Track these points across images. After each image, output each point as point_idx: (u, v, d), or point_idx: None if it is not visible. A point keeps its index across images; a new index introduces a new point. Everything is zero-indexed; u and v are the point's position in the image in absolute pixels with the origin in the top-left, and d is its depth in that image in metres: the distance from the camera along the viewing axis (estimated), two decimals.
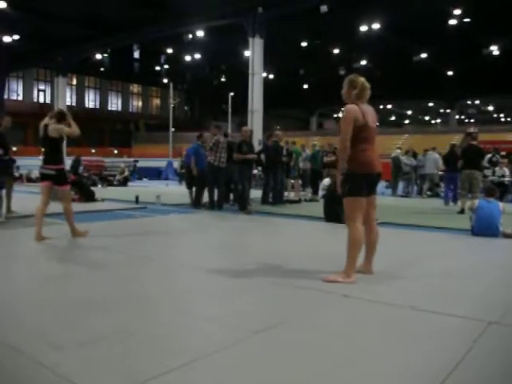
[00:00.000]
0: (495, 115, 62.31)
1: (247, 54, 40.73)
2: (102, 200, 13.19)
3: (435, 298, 4.30)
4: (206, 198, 11.59)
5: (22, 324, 3.52)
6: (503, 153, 35.17)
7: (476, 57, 38.22)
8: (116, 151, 49.43)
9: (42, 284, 4.70)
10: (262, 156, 12.06)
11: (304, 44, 37.84)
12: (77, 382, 2.59)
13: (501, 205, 7.40)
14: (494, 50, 37.65)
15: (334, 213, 8.83)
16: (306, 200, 13.83)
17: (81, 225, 7.52)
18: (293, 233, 8.26)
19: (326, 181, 14.91)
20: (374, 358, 3.06)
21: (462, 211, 10.84)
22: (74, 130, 7.07)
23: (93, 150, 51.04)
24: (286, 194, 14.12)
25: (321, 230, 8.55)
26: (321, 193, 14.62)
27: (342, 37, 36.04)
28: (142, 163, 31.56)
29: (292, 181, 15.28)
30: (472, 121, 60.62)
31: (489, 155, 15.31)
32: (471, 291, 4.58)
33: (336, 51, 40.41)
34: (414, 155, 17.88)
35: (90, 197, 13.13)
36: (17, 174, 18.46)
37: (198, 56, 42.46)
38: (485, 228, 7.13)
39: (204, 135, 12.44)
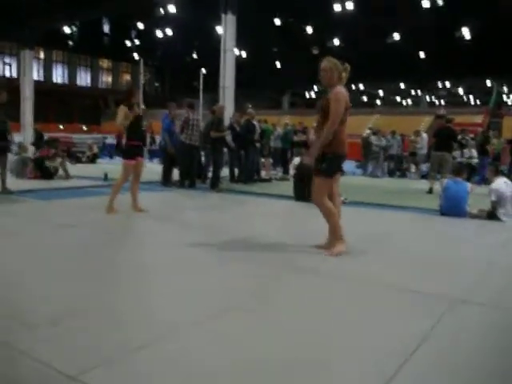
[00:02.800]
0: (465, 98, 63.07)
1: (220, 30, 40.32)
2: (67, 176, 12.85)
3: (402, 275, 4.35)
4: (176, 175, 11.47)
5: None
6: (471, 135, 35.93)
7: (448, 39, 38.50)
8: (85, 127, 48.55)
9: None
10: (229, 137, 11.76)
11: (277, 23, 37.56)
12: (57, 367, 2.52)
13: (469, 185, 7.49)
14: (466, 33, 37.98)
15: (302, 192, 8.84)
16: (276, 179, 13.81)
17: (54, 202, 7.62)
18: (262, 211, 8.25)
19: (297, 160, 14.89)
20: (342, 333, 3.07)
21: (430, 191, 10.99)
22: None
23: (61, 126, 50.05)
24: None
25: (291, 209, 8.57)
26: (291, 172, 14.64)
27: (316, 16, 35.87)
28: (112, 140, 31.03)
29: (263, 160, 15.23)
30: (442, 102, 61.33)
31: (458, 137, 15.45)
32: (436, 269, 4.64)
33: (309, 30, 40.23)
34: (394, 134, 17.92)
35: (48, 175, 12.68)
36: None
37: (169, 32, 41.83)
38: (452, 208, 7.22)
39: (174, 111, 12.22)
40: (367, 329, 3.15)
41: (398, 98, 67.67)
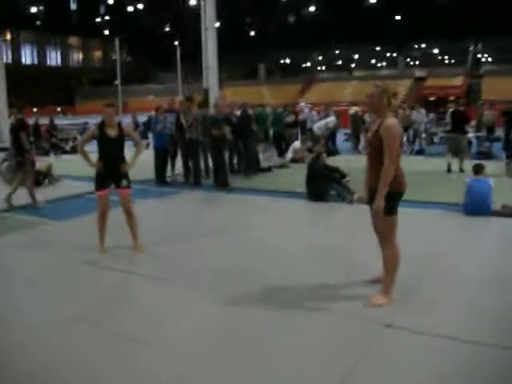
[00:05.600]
0: (440, 57, 63.07)
1: (192, 1, 39.23)
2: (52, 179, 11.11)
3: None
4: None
5: None
6: (451, 98, 35.93)
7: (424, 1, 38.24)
8: (59, 109, 47.40)
9: None
10: (227, 129, 11.14)
11: None
12: None
13: (492, 181, 7.36)
14: None
15: (316, 191, 8.65)
16: (276, 166, 13.52)
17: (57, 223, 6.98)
18: (283, 219, 7.74)
19: (297, 144, 14.64)
20: None
21: (449, 169, 11.50)
22: None
23: (34, 109, 48.74)
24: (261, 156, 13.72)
25: (312, 213, 8.19)
26: (290, 155, 14.39)
27: None
28: (91, 121, 30.01)
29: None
30: (417, 63, 61.17)
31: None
32: None
33: None
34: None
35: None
36: None
37: (140, 5, 40.66)
38: (477, 207, 7.09)
39: (160, 107, 11.69)
40: None
41: (373, 61, 67.42)
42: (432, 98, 36.18)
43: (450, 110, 12.61)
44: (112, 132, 5.79)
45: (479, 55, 53.97)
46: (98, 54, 57.66)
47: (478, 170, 7.56)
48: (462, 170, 11.39)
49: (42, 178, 10.97)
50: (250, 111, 13.30)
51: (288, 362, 3.39)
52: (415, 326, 3.79)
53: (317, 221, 7.76)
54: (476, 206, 7.21)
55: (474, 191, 7.25)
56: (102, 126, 5.80)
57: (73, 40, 54.90)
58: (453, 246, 5.88)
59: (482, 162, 8.64)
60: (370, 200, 4.28)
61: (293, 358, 3.45)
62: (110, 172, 5.83)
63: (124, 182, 5.89)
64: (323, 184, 8.69)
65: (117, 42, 31.46)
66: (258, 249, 5.94)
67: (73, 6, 45.21)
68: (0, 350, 3.68)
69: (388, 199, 4.09)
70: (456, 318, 3.97)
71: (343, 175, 8.87)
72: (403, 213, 4.32)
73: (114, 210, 5.99)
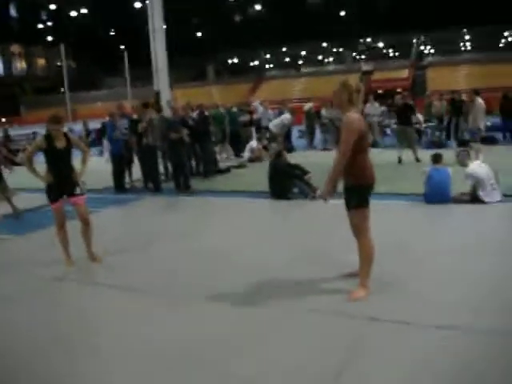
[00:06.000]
0: (385, 51, 64.40)
1: (137, 5, 38.71)
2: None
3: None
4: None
5: None
6: (399, 89, 36.70)
7: None
8: (4, 119, 45.84)
9: None
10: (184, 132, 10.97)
11: None
12: None
13: (450, 170, 7.54)
14: None
15: (279, 189, 8.67)
16: (234, 166, 13.48)
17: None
18: (249, 219, 7.71)
19: (253, 143, 14.65)
20: None
21: (400, 160, 11.83)
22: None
23: None
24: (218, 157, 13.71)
25: (277, 211, 8.18)
26: (247, 154, 14.37)
27: None
28: (40, 130, 29.15)
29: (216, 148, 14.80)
30: (363, 57, 62.25)
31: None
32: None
33: None
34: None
35: None
36: None
37: (83, 10, 39.80)
38: (437, 195, 7.26)
39: (115, 113, 11.41)
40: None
41: (320, 57, 68.18)
42: (380, 91, 36.90)
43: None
44: (60, 143, 5.64)
45: (422, 47, 55.45)
46: (41, 61, 56.11)
47: (437, 159, 7.73)
48: (417, 160, 11.64)
49: None
50: (206, 112, 13.24)
51: (277, 362, 3.36)
52: (399, 317, 3.85)
53: (283, 218, 7.75)
54: (436, 194, 7.38)
55: (434, 180, 7.41)
56: (48, 138, 5.62)
57: (14, 48, 53.21)
58: (424, 236, 6.01)
59: (434, 150, 8.93)
60: (346, 196, 4.33)
61: (282, 357, 3.43)
62: (61, 183, 5.69)
63: (77, 190, 5.79)
64: (286, 182, 8.72)
65: (62, 47, 30.69)
66: (227, 250, 5.88)
67: (12, 13, 43.69)
68: None
69: (358, 192, 4.17)
70: (435, 306, 4.04)
71: (305, 172, 8.90)
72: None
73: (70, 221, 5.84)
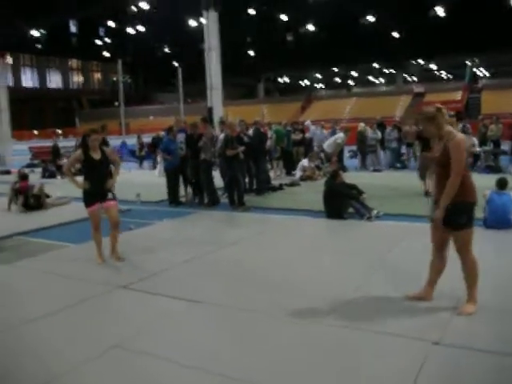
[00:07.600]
0: (437, 73, 63.63)
1: (193, 23, 39.59)
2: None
3: None
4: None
5: None
6: (452, 112, 36.07)
7: (420, 17, 38.67)
8: (60, 131, 47.52)
9: None
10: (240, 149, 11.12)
11: (252, 12, 37.14)
12: None
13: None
14: (439, 10, 38.22)
15: (335, 209, 8.66)
16: (287, 185, 13.55)
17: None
18: (309, 237, 7.58)
19: (305, 162, 14.67)
20: None
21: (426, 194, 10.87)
22: None
23: (35, 132, 48.93)
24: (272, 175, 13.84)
25: (335, 231, 8.11)
26: (298, 173, 14.41)
27: (289, 2, 35.61)
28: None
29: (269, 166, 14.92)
30: (415, 79, 61.67)
31: (460, 125, 15.40)
32: None
33: (283, 17, 39.88)
34: (382, 126, 17.77)
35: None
36: None
37: (140, 28, 40.99)
38: (498, 220, 7.11)
39: (174, 128, 11.67)
40: None
41: (371, 77, 67.90)
42: None
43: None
44: (96, 155, 6.18)
45: (475, 70, 54.44)
46: (97, 75, 58.02)
47: (502, 184, 7.53)
48: None
49: (34, 200, 10.60)
50: (263, 130, 13.39)
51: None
52: (467, 343, 3.79)
53: (342, 238, 7.70)
54: (498, 219, 7.21)
55: (495, 204, 7.25)
56: (86, 150, 6.13)
57: (72, 62, 55.25)
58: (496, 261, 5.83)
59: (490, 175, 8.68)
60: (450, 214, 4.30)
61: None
62: (96, 190, 6.21)
63: (109, 195, 6.34)
64: (342, 201, 8.71)
65: (119, 63, 31.67)
66: (291, 265, 5.98)
67: (72, 29, 45.47)
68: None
69: (466, 210, 4.21)
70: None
71: (360, 192, 8.90)
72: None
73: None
